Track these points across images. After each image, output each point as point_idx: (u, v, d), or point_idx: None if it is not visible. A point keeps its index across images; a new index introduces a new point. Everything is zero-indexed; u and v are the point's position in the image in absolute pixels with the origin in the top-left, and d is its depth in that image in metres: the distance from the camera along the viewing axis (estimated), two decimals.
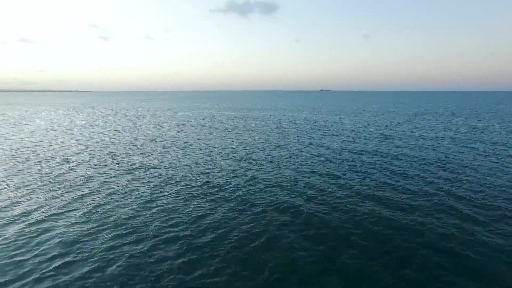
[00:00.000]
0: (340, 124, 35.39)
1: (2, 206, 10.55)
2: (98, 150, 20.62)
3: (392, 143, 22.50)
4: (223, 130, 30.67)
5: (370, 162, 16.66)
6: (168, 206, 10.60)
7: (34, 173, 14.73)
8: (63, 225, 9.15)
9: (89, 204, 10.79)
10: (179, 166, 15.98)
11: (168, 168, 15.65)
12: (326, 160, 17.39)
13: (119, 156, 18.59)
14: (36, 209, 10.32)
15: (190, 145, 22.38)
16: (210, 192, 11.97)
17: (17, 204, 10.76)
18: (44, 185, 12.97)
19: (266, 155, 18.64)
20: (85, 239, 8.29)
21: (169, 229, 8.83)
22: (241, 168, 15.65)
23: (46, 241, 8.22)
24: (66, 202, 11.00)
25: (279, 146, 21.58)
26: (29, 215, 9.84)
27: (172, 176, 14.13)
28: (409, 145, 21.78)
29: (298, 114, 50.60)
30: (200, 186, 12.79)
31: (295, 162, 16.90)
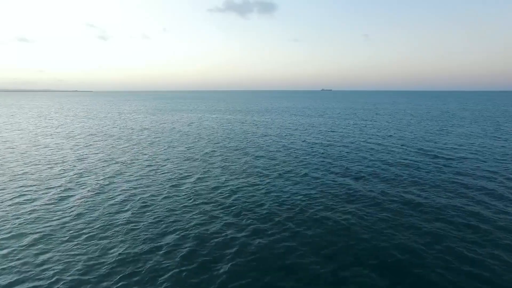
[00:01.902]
0: (361, 134, 27.66)
1: None
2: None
3: (451, 174, 14.76)
4: (203, 148, 22.98)
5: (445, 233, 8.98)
6: None
7: None
8: None
9: None
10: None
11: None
12: (365, 209, 9.75)
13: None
14: None
15: (139, 173, 14.73)
16: None
17: None
18: None
19: (257, 194, 11.01)
20: None
21: None
22: (217, 231, 8.04)
23: None
24: None
25: (281, 176, 13.90)
26: None
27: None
28: (480, 178, 14.10)
29: (304, 118, 42.92)
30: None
31: (313, 215, 9.28)
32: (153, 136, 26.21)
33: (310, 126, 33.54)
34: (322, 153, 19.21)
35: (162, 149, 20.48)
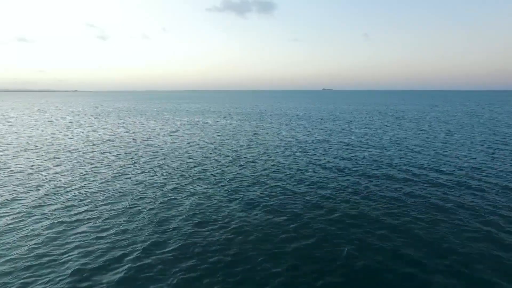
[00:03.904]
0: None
1: None
2: None
3: None
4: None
5: None
6: None
7: None
8: None
9: None
10: None
11: None
12: None
13: None
14: None
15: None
16: None
17: None
18: None
19: None
20: None
21: None
22: None
23: None
24: None
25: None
26: None
27: None
28: None
29: (313, 124, 35.00)
30: None
31: None
32: (107, 153, 18.32)
33: (325, 140, 25.65)
34: (365, 194, 11.30)
35: (107, 175, 12.65)
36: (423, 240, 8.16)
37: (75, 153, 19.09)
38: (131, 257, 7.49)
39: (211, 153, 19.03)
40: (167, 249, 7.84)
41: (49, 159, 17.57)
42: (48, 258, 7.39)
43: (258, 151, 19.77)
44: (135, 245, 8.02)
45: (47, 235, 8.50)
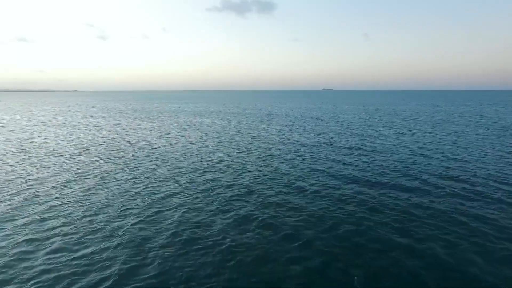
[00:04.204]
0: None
1: None
2: None
3: None
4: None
5: None
6: None
7: None
8: None
9: None
10: None
11: None
12: None
13: None
14: None
15: None
16: None
17: None
18: None
19: None
20: None
21: None
22: None
23: None
24: None
25: None
26: None
27: None
28: None
29: (313, 125, 33.90)
30: None
31: None
32: (97, 157, 17.25)
33: (326, 143, 24.58)
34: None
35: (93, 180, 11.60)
36: (446, 263, 7.10)
37: (63, 157, 18.01)
38: (107, 284, 6.44)
39: (206, 157, 17.96)
40: (150, 274, 6.78)
41: (34, 163, 16.49)
42: (8, 287, 6.33)
43: (257, 154, 18.70)
44: (113, 268, 6.97)
45: (14, 256, 7.44)
